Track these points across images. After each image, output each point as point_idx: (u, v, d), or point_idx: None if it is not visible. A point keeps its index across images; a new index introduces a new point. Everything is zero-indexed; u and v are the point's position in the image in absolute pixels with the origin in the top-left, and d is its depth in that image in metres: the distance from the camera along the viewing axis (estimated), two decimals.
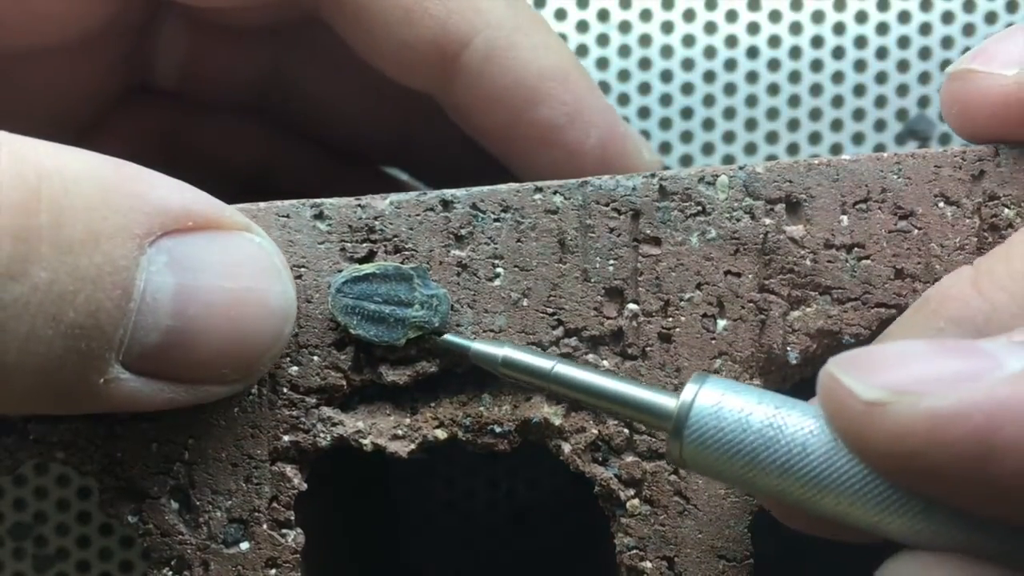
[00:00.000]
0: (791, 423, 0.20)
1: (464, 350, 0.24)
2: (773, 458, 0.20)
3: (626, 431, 0.25)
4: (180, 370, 0.22)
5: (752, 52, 0.39)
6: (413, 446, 0.25)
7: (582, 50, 0.39)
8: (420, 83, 0.29)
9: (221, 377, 0.23)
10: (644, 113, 0.39)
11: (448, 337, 0.24)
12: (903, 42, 0.39)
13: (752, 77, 0.39)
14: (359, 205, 0.25)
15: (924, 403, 0.18)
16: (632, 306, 0.25)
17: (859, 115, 0.39)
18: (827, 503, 0.20)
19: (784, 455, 0.20)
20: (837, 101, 0.39)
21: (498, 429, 0.25)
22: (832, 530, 0.22)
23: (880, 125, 0.39)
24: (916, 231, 0.24)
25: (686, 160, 0.39)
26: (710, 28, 0.39)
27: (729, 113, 0.39)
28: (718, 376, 0.22)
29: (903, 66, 0.39)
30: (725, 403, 0.20)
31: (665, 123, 0.39)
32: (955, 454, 0.18)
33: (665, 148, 0.39)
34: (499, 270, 0.25)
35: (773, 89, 0.39)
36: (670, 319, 0.25)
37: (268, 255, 0.23)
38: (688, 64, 0.39)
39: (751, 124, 0.39)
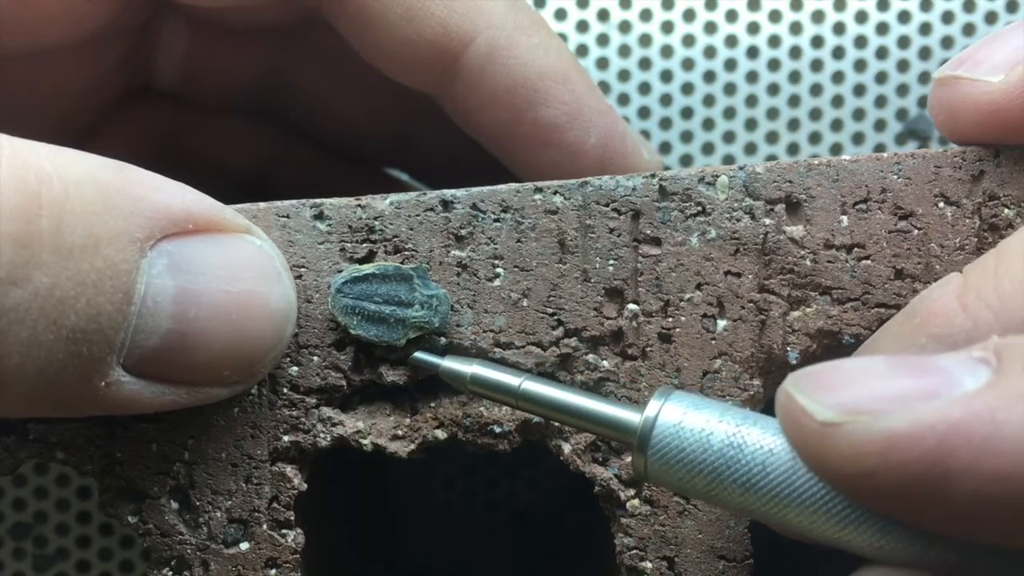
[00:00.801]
0: (751, 441, 0.20)
1: (434, 368, 0.24)
2: (734, 476, 0.20)
3: None
4: (181, 372, 0.22)
5: (752, 52, 0.39)
6: (413, 446, 0.25)
7: (582, 50, 0.39)
8: (421, 83, 0.29)
9: (222, 379, 0.23)
10: (644, 113, 0.39)
11: (418, 355, 0.24)
12: (903, 42, 0.39)
13: (752, 77, 0.39)
14: (359, 205, 0.25)
15: (878, 424, 0.18)
16: (632, 306, 0.25)
17: (859, 115, 0.39)
18: (790, 518, 0.20)
19: (744, 473, 0.20)
20: (837, 101, 0.39)
21: (498, 429, 0.25)
22: (803, 538, 0.22)
23: (880, 125, 0.39)
24: (916, 231, 0.24)
25: (686, 160, 0.39)
26: (710, 28, 0.39)
27: (729, 113, 0.39)
28: (682, 391, 0.22)
29: (903, 66, 0.39)
30: (687, 421, 0.21)
31: (665, 123, 0.39)
32: (909, 475, 0.17)
33: (665, 148, 0.39)
34: (499, 270, 0.25)
35: (773, 89, 0.39)
36: (670, 319, 0.25)
37: (269, 257, 0.23)
38: (688, 64, 0.39)
39: (751, 124, 0.39)
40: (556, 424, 0.24)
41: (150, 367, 0.22)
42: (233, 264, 0.22)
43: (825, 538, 0.20)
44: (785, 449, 0.20)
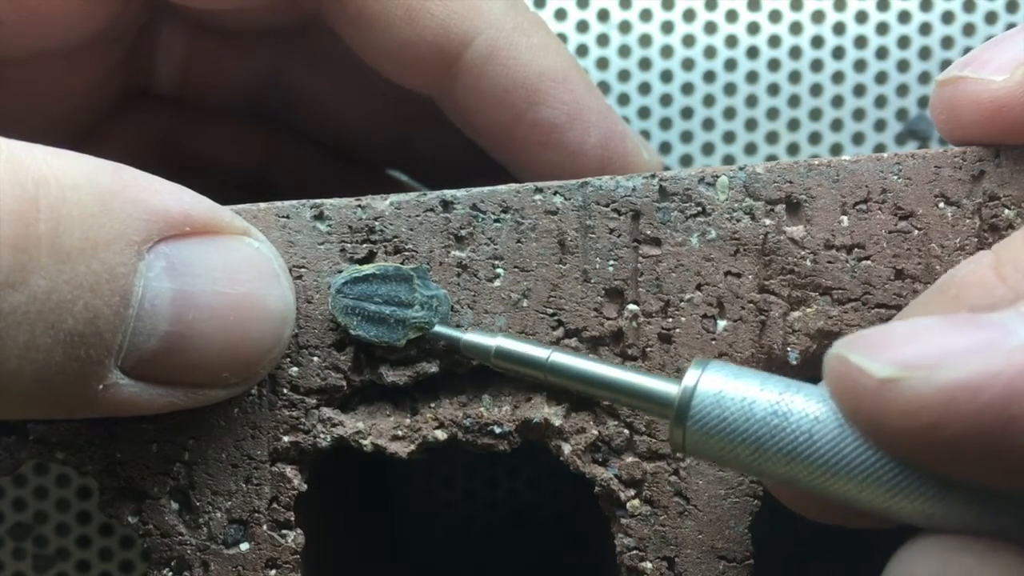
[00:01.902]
0: (796, 409, 0.20)
1: (455, 342, 0.24)
2: (779, 445, 0.20)
3: (626, 431, 0.25)
4: (179, 375, 0.22)
5: (752, 52, 0.39)
6: (413, 447, 0.25)
7: (582, 50, 0.39)
8: (420, 84, 0.29)
9: (220, 381, 0.23)
10: (644, 113, 0.39)
11: (438, 329, 0.24)
12: (903, 42, 0.39)
13: (752, 77, 0.39)
14: (359, 206, 0.25)
15: (939, 376, 0.18)
16: (632, 307, 0.25)
17: (859, 115, 0.39)
18: (836, 488, 0.19)
19: (790, 442, 0.20)
20: (837, 101, 0.39)
21: (498, 430, 0.25)
22: (843, 516, 0.21)
23: (880, 125, 0.39)
24: (916, 232, 0.24)
25: (686, 160, 0.39)
26: (710, 28, 0.39)
27: (729, 113, 0.39)
28: (720, 361, 0.22)
29: (903, 66, 0.39)
30: (728, 390, 0.20)
31: (665, 123, 0.39)
32: (973, 425, 0.17)
33: (665, 148, 0.39)
34: (499, 271, 0.25)
35: (773, 89, 0.39)
36: (670, 320, 0.25)
37: (267, 259, 0.23)
38: (688, 64, 0.39)
39: (751, 124, 0.39)
40: (588, 395, 0.23)
41: (148, 370, 0.22)
42: (231, 266, 0.22)
43: (873, 507, 0.19)
44: (832, 416, 0.19)
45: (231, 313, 0.22)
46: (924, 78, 0.39)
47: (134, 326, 0.21)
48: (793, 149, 0.39)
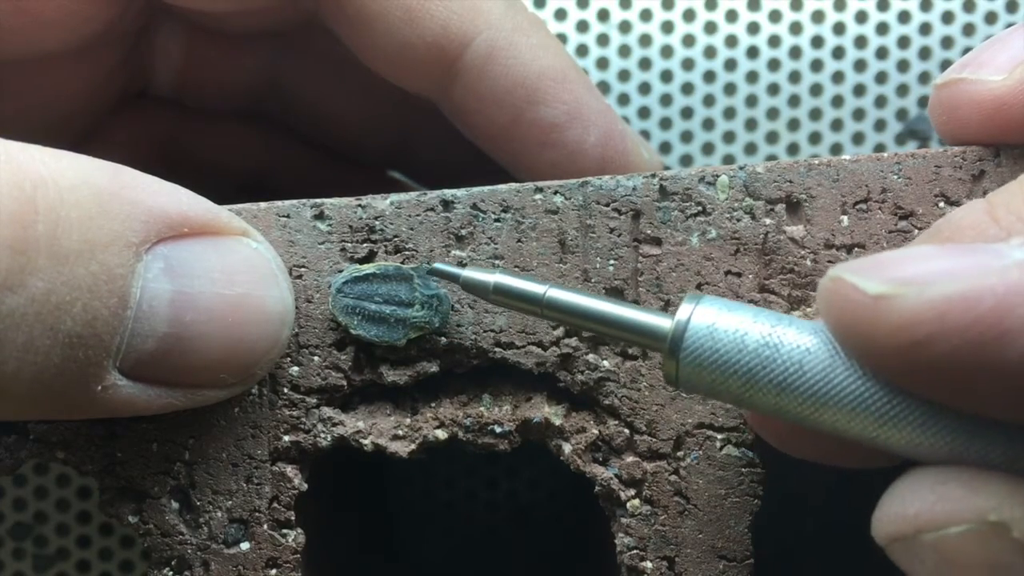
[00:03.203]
0: (788, 340, 0.20)
1: (454, 278, 0.24)
2: (770, 376, 0.20)
3: (626, 431, 0.25)
4: (178, 375, 0.22)
5: (752, 52, 0.39)
6: (413, 446, 0.25)
7: (582, 50, 0.39)
8: (420, 85, 0.29)
9: (219, 381, 0.23)
10: (644, 113, 0.39)
11: (438, 266, 0.24)
12: (903, 42, 0.39)
13: (752, 77, 0.39)
14: (359, 205, 0.25)
15: (932, 291, 0.18)
16: None
17: (859, 115, 0.39)
18: (826, 419, 0.20)
19: (781, 373, 0.20)
20: (837, 101, 0.39)
21: (498, 429, 0.25)
22: (828, 451, 0.21)
23: (880, 125, 0.39)
24: (916, 231, 0.24)
25: (686, 160, 0.39)
26: (710, 28, 0.39)
27: (729, 113, 0.39)
28: (712, 295, 0.22)
29: (903, 66, 0.39)
30: (720, 322, 0.20)
31: (665, 123, 0.39)
32: (965, 341, 0.17)
33: (665, 148, 0.39)
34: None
35: (773, 89, 0.39)
36: None
37: (265, 260, 0.23)
38: (688, 64, 0.39)
39: (751, 124, 0.39)
40: (584, 330, 0.23)
41: (147, 371, 0.22)
42: (229, 267, 0.22)
43: (862, 438, 0.20)
44: (823, 348, 0.20)
45: (229, 314, 0.22)
46: (924, 78, 0.39)
47: (132, 327, 0.21)
48: (793, 149, 0.39)
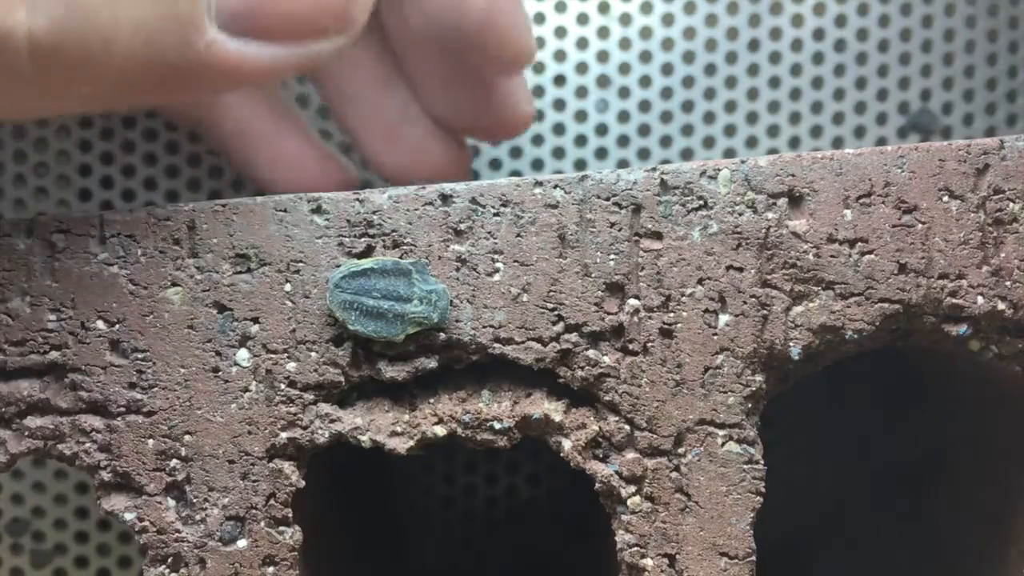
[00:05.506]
0: None
1: None
2: None
3: (627, 427, 0.24)
4: (277, 26, 0.22)
5: (753, 45, 0.39)
6: (412, 442, 0.25)
7: (582, 43, 0.39)
8: None
9: (320, 31, 0.23)
10: (645, 106, 0.39)
11: None
12: (905, 35, 0.38)
13: (753, 70, 0.39)
14: (357, 199, 0.25)
15: None
16: (633, 301, 0.24)
17: (861, 108, 0.39)
18: None
19: None
20: (839, 94, 0.39)
21: (498, 425, 0.25)
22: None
23: (882, 119, 0.39)
24: (920, 225, 0.24)
25: (687, 154, 0.39)
26: (711, 21, 0.39)
27: (730, 107, 0.39)
28: None
29: (905, 59, 0.38)
30: None
31: (666, 116, 0.39)
32: None
33: (666, 142, 0.39)
34: (499, 265, 0.25)
35: (774, 82, 0.39)
36: (671, 314, 0.24)
37: None
38: (689, 57, 0.39)
39: (752, 118, 0.39)
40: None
41: (244, 23, 0.22)
42: None
43: None
44: None
45: None
46: (926, 71, 0.38)
47: None
48: (794, 143, 0.39)
